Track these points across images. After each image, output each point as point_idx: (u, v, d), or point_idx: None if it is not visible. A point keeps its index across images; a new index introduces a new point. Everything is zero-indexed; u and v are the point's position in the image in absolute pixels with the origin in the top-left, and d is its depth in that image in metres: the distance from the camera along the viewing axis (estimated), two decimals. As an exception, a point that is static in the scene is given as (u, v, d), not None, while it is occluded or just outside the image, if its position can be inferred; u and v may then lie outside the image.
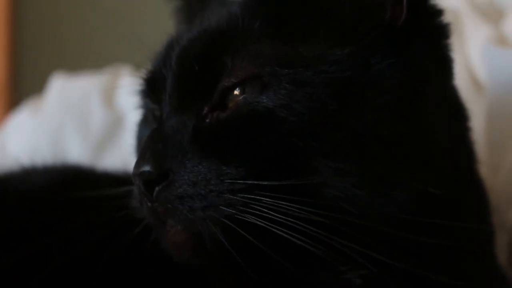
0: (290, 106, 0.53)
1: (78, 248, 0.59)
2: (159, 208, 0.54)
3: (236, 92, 0.55)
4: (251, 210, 0.51)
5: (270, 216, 0.51)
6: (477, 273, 0.60)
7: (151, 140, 0.56)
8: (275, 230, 0.51)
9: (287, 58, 0.54)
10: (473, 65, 0.95)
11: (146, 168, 0.53)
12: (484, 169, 0.69)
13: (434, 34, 0.62)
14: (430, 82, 0.60)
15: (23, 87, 2.01)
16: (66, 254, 0.58)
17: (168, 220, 0.54)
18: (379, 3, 0.57)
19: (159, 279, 0.59)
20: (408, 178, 0.55)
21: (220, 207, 0.52)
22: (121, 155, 0.96)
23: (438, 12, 0.62)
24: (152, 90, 0.62)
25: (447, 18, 0.62)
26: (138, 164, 0.54)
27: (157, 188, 0.53)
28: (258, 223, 0.51)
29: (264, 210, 0.51)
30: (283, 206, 0.51)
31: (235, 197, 0.52)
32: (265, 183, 0.51)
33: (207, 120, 0.56)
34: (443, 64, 0.63)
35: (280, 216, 0.51)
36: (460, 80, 0.67)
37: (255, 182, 0.52)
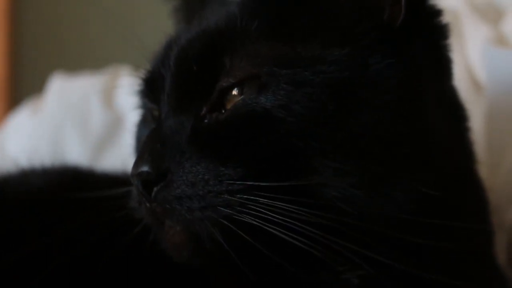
0: (289, 106, 0.53)
1: (77, 248, 0.59)
2: (157, 208, 0.54)
3: (235, 92, 0.55)
4: (248, 211, 0.51)
5: (267, 217, 0.51)
6: (476, 273, 0.60)
7: (150, 140, 0.56)
8: (272, 231, 0.51)
9: (285, 58, 0.54)
10: (473, 65, 0.95)
11: (145, 168, 0.53)
12: (484, 169, 0.69)
13: (433, 34, 0.62)
14: (429, 82, 0.60)
15: (23, 87, 2.01)
16: (66, 254, 0.58)
17: (167, 221, 0.55)
18: (378, 3, 0.57)
19: (159, 279, 0.59)
20: (407, 178, 0.55)
21: (218, 207, 0.52)
22: (121, 155, 0.96)
23: (437, 12, 0.62)
24: (150, 90, 0.62)
25: (446, 18, 0.62)
26: (136, 164, 0.54)
27: (155, 189, 0.53)
28: (256, 223, 0.51)
29: (262, 210, 0.51)
30: (281, 206, 0.51)
31: (233, 198, 0.52)
32: (264, 184, 0.51)
33: (206, 121, 0.56)
34: (442, 64, 0.63)
35: (277, 216, 0.51)
36: (460, 80, 0.67)
37: (254, 183, 0.52)
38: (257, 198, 0.51)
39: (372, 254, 0.52)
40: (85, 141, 1.14)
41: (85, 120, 1.16)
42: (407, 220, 0.54)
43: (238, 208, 0.52)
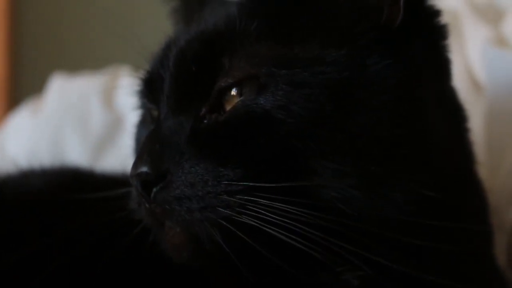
0: (287, 107, 0.53)
1: (77, 249, 0.59)
2: (157, 209, 0.54)
3: (233, 92, 0.55)
4: (248, 212, 0.51)
5: (266, 218, 0.51)
6: (476, 275, 0.60)
7: (149, 141, 0.56)
8: (271, 232, 0.51)
9: (284, 59, 0.54)
10: (472, 66, 0.95)
11: (144, 169, 0.53)
12: (483, 170, 0.69)
13: (432, 35, 0.62)
14: (428, 83, 0.60)
15: (23, 87, 2.01)
16: (66, 254, 0.58)
17: (166, 222, 0.55)
18: (377, 3, 0.57)
19: (159, 280, 0.59)
20: (407, 179, 0.55)
21: (217, 208, 0.52)
22: (121, 155, 0.96)
23: (436, 13, 0.62)
24: (150, 91, 0.62)
25: (445, 18, 0.62)
26: (135, 165, 0.54)
27: (154, 189, 0.53)
28: (255, 224, 0.51)
29: (261, 211, 0.51)
30: (280, 207, 0.51)
31: (232, 199, 0.52)
32: (263, 184, 0.51)
33: (205, 121, 0.56)
34: (441, 64, 0.63)
35: (276, 217, 0.51)
36: (459, 81, 0.67)
37: (253, 183, 0.52)
38: (256, 199, 0.51)
39: (371, 256, 0.52)
40: (85, 141, 1.14)
41: (85, 120, 1.16)
42: (406, 221, 0.54)
43: (237, 209, 0.52)
